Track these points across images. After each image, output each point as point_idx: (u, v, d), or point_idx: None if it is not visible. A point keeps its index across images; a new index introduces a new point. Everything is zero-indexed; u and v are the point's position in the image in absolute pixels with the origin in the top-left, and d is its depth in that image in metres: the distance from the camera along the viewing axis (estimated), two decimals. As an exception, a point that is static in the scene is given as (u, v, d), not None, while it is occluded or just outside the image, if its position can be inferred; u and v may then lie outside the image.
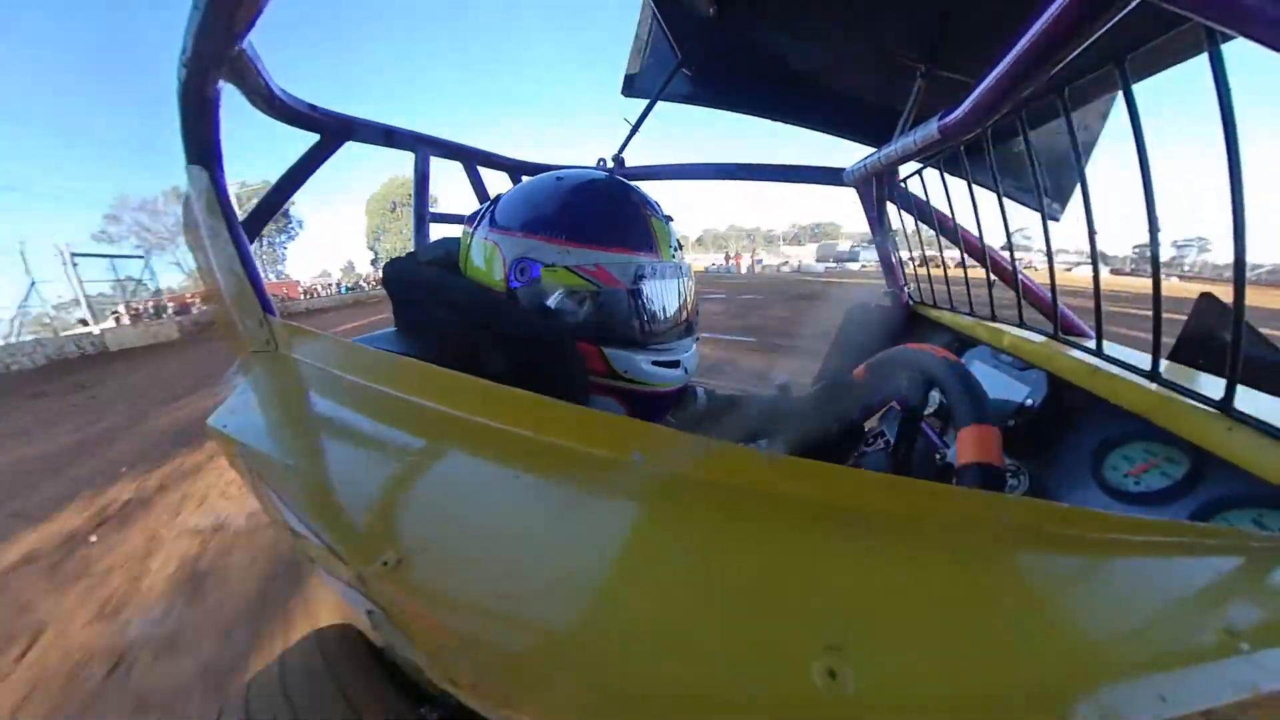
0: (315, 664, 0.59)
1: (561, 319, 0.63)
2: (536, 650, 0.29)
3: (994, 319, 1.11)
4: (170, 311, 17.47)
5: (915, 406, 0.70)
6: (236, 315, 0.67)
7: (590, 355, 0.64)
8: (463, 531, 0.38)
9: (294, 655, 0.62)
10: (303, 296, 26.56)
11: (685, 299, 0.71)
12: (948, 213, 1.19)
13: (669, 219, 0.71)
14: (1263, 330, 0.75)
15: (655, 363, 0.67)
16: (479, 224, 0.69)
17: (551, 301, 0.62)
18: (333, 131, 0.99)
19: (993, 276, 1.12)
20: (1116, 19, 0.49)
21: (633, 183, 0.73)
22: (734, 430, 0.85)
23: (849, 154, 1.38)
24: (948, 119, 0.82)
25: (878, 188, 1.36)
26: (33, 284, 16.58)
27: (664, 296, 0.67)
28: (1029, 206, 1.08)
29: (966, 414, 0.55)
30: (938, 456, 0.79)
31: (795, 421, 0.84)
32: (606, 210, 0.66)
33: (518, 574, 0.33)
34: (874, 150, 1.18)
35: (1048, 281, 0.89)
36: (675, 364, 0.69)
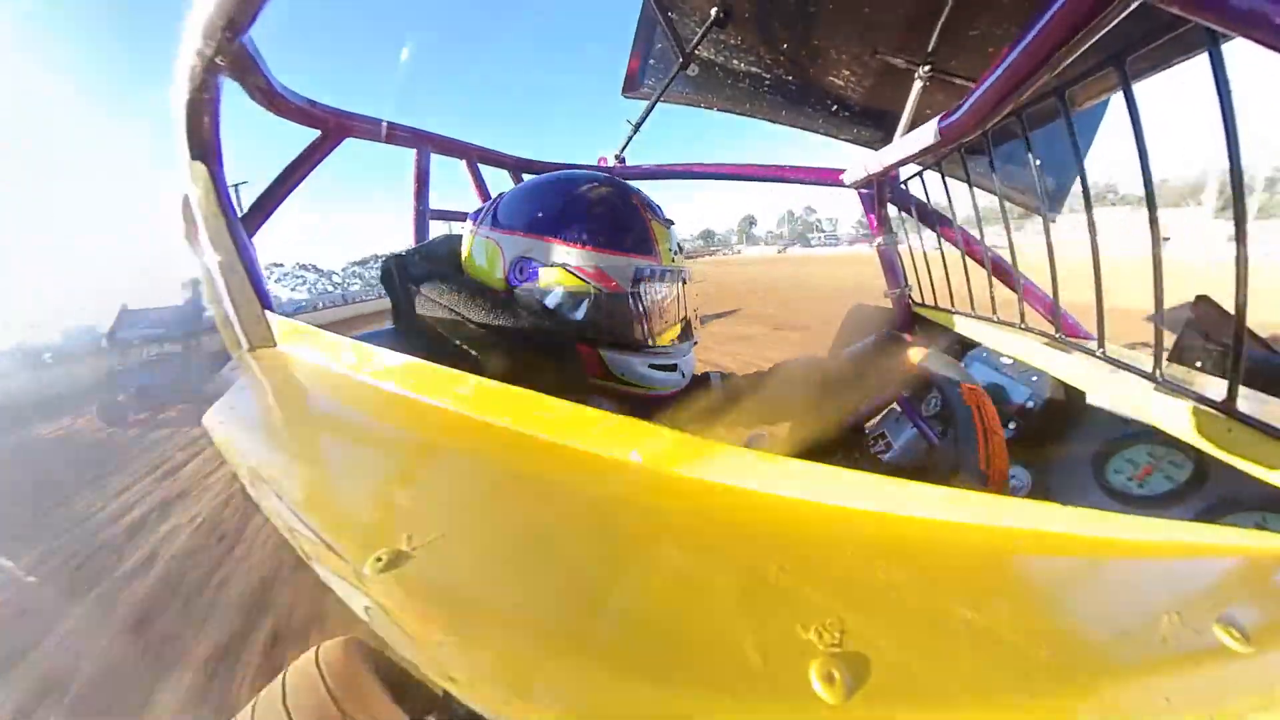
0: (315, 679, 0.60)
1: (559, 319, 0.63)
2: (533, 649, 0.29)
3: (995, 318, 1.10)
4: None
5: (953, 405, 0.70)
6: (235, 310, 0.66)
7: (587, 357, 0.64)
8: (459, 528, 0.38)
9: (296, 670, 0.63)
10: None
11: (684, 303, 0.71)
12: (948, 214, 1.19)
13: (670, 222, 0.71)
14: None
15: (653, 366, 0.66)
16: (481, 222, 0.69)
17: (550, 301, 0.62)
18: (333, 128, 0.98)
19: (993, 278, 1.11)
20: (1116, 20, 0.49)
21: (633, 184, 0.73)
22: (759, 404, 0.81)
23: (847, 158, 1.38)
24: (948, 121, 0.82)
25: (878, 189, 1.36)
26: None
27: (662, 300, 0.67)
28: (1028, 208, 1.07)
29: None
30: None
31: (832, 380, 0.81)
32: (606, 212, 0.65)
33: (514, 571, 0.33)
34: (874, 153, 1.18)
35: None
36: (673, 368, 0.69)
